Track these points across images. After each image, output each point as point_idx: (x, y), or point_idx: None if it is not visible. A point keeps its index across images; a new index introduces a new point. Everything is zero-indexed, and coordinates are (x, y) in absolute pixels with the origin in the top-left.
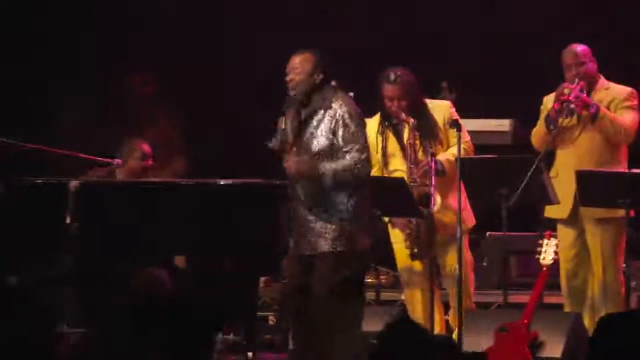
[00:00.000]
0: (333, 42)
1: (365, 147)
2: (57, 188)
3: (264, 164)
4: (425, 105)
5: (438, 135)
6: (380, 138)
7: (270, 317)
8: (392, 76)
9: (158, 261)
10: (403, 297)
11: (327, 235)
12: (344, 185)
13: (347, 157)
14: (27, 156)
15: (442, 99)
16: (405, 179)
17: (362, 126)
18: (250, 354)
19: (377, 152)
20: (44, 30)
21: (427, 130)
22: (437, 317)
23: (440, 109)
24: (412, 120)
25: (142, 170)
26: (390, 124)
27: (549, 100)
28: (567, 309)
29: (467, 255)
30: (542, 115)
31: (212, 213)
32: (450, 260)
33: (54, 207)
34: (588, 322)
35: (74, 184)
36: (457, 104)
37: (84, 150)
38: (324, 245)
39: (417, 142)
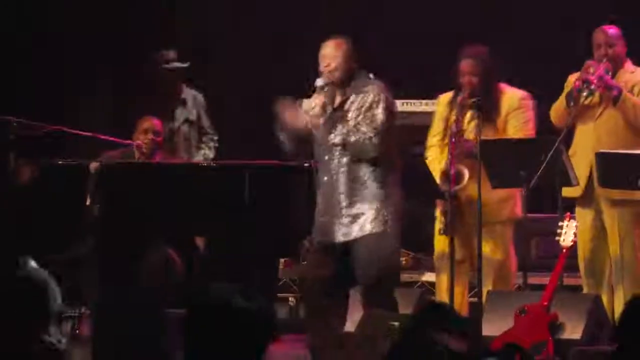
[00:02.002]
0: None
1: (379, 133)
2: (78, 170)
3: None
4: (496, 89)
5: (495, 120)
6: (446, 110)
7: (290, 299)
8: (470, 52)
9: (178, 242)
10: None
11: (362, 219)
12: (357, 153)
13: (360, 133)
14: (48, 137)
15: None
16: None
17: (387, 115)
18: None
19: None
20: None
21: (485, 112)
22: (460, 299)
23: (510, 97)
24: (460, 97)
25: (155, 147)
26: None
27: (573, 78)
28: (585, 289)
29: (510, 247)
30: (565, 92)
31: (232, 194)
32: (486, 249)
33: (74, 188)
34: (607, 302)
35: (94, 165)
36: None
37: (104, 132)
38: (361, 229)
39: (464, 120)
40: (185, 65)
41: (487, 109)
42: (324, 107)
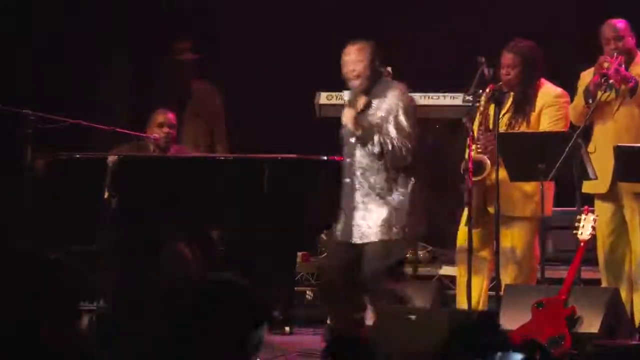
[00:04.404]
0: None
1: (411, 137)
2: (95, 163)
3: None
4: (535, 84)
5: (528, 115)
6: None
7: (308, 292)
8: (513, 44)
9: (195, 235)
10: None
11: (379, 225)
12: (394, 162)
13: (395, 141)
14: (66, 131)
15: (481, 74)
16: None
17: (413, 117)
18: (287, 328)
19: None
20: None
21: (518, 106)
22: (479, 290)
23: (546, 93)
24: (488, 89)
25: (170, 140)
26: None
27: (586, 76)
28: (604, 283)
29: (532, 244)
30: (580, 90)
31: (250, 187)
32: (505, 243)
33: (92, 181)
34: (625, 297)
35: (111, 158)
36: (495, 80)
37: (122, 124)
38: (375, 234)
39: (491, 112)
40: (195, 57)
41: (522, 103)
42: (356, 120)
